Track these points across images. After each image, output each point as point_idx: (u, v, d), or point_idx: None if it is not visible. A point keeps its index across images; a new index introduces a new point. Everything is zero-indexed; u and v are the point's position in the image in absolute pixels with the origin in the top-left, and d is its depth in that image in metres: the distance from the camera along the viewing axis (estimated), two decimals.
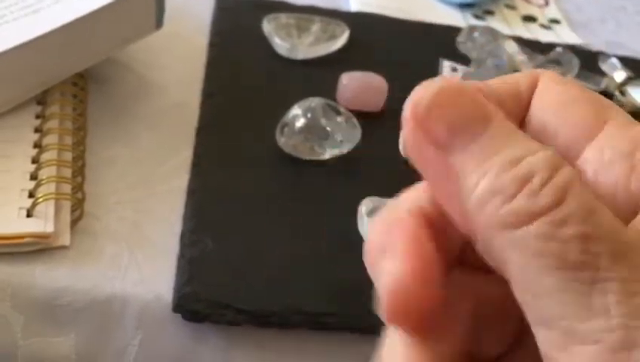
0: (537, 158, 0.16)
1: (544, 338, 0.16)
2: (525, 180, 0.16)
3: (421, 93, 0.17)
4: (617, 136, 0.18)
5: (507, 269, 0.16)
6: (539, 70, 0.21)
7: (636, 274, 0.15)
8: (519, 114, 0.20)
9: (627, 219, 0.17)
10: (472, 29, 0.64)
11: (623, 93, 0.63)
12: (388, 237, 0.18)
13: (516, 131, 0.17)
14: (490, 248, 0.17)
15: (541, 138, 0.19)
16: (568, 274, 0.15)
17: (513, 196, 0.16)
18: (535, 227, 0.16)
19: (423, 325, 0.18)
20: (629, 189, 0.17)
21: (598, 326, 0.15)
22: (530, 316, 0.16)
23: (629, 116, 0.19)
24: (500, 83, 0.20)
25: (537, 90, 0.20)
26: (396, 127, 0.20)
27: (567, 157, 0.18)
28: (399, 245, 0.18)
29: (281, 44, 0.58)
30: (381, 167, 0.48)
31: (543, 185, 0.16)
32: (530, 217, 0.16)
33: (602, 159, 0.18)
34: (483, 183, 0.16)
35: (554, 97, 0.19)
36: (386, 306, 0.17)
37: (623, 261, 0.16)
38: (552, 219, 0.16)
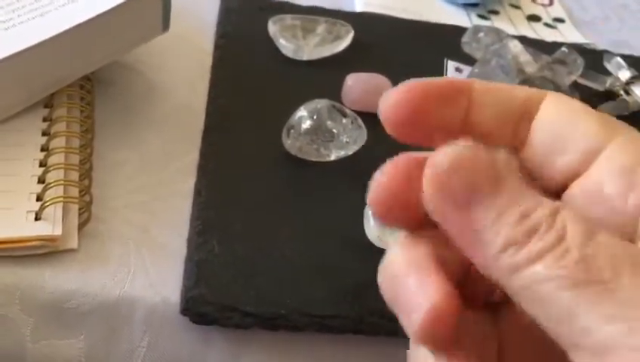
0: (542, 211, 0.19)
1: (580, 359, 0.18)
2: (534, 231, 0.19)
3: (441, 158, 0.20)
4: (621, 151, 0.20)
5: (531, 305, 0.19)
6: (544, 91, 0.23)
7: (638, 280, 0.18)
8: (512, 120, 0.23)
9: (631, 236, 0.20)
10: (476, 29, 0.64)
11: (627, 92, 0.63)
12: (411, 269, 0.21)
13: (526, 188, 0.20)
14: (512, 290, 0.19)
15: (550, 150, 0.22)
16: (581, 291, 0.18)
17: (525, 245, 0.19)
18: (544, 261, 0.18)
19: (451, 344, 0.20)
20: (625, 208, 0.20)
21: (617, 333, 0.17)
22: (563, 343, 0.18)
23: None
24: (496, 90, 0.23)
25: (543, 106, 0.22)
26: None
27: (576, 169, 0.21)
28: (428, 278, 0.20)
29: (286, 46, 0.58)
30: None
31: (546, 231, 0.19)
32: (539, 256, 0.18)
33: (602, 175, 0.20)
34: (500, 236, 0.19)
35: (561, 111, 0.22)
36: (424, 330, 0.20)
37: (625, 270, 0.18)
38: (556, 252, 0.18)
